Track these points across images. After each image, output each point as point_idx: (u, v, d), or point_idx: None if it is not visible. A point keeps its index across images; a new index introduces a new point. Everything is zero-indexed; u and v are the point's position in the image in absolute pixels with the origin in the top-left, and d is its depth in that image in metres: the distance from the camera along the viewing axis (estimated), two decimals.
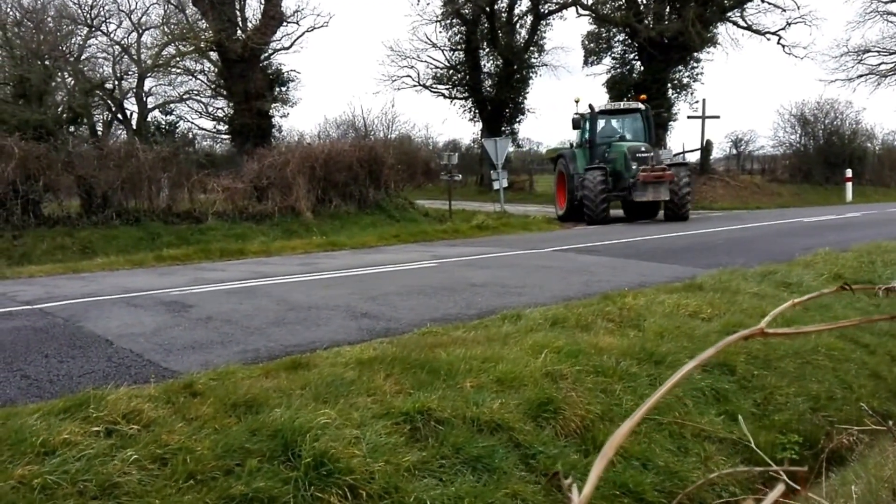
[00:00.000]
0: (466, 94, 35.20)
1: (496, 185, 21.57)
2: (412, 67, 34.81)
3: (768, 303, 6.82)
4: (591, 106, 19.66)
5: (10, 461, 2.99)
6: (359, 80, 51.10)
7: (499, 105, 33.88)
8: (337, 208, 18.43)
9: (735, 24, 30.15)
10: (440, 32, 35.56)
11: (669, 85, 30.82)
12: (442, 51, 34.52)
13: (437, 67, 35.01)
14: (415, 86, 34.96)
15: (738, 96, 73.42)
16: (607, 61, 32.50)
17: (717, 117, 29.63)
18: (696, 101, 30.71)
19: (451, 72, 34.97)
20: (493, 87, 34.14)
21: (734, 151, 37.18)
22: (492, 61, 34.04)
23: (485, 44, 33.02)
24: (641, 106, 19.28)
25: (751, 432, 4.50)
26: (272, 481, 3.12)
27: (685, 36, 26.96)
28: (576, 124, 19.71)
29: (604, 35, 32.39)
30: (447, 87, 35.18)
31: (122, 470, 2.98)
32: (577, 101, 20.51)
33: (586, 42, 32.76)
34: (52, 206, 16.42)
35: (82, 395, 3.69)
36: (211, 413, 3.66)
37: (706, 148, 28.90)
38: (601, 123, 19.73)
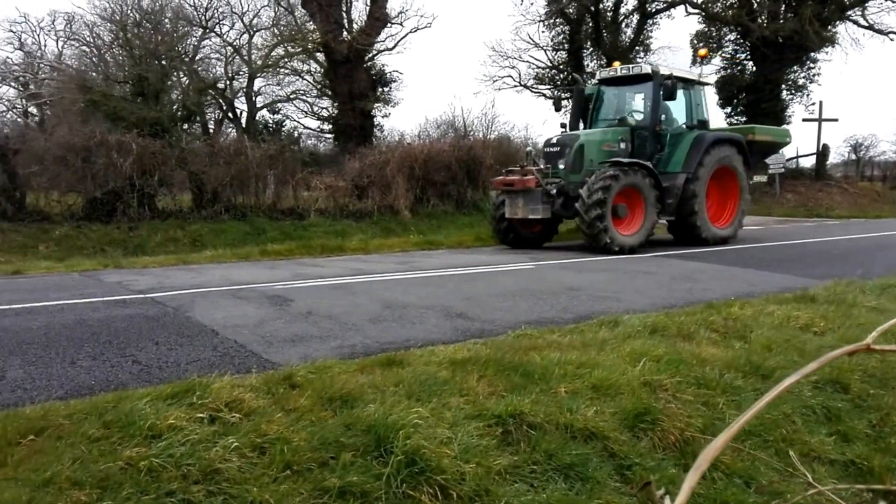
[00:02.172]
0: (569, 95, 34.79)
1: None
2: (513, 67, 34.70)
3: (888, 318, 6.36)
4: (574, 77, 16.34)
5: (119, 443, 3.15)
6: (460, 81, 51.32)
7: None
8: (435, 208, 18.60)
9: (855, 23, 28.40)
10: (543, 32, 35.33)
11: (784, 86, 29.37)
12: (544, 50, 34.21)
13: (538, 67, 34.73)
14: (516, 86, 34.82)
15: (858, 99, 68.88)
16: (717, 61, 31.21)
17: (835, 120, 28.01)
18: (813, 104, 29.17)
19: (553, 72, 34.60)
20: None
21: (853, 157, 34.93)
22: (595, 61, 33.46)
23: (588, 43, 32.48)
24: (648, 69, 13.77)
25: (864, 455, 4.21)
26: (365, 476, 3.15)
27: (801, 35, 25.58)
28: (556, 104, 16.06)
29: (714, 34, 31.19)
30: (549, 87, 34.84)
31: (223, 456, 3.08)
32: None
33: (695, 41, 31.62)
34: (165, 200, 17.34)
35: (188, 382, 3.85)
36: (308, 405, 3.74)
37: (822, 153, 27.33)
38: (605, 97, 14.69)
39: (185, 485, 2.88)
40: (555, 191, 12.65)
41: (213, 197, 17.16)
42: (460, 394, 4.11)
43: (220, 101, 32.13)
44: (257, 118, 32.61)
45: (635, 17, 32.45)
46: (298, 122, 33.86)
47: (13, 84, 32.72)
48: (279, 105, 33.57)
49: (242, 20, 30.69)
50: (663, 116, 13.77)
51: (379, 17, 25.08)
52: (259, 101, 32.87)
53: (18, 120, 30.46)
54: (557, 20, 32.14)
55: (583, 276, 9.46)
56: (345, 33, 25.59)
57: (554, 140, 13.47)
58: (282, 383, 4.06)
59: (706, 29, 31.33)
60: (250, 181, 17.58)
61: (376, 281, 9.10)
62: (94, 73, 28.06)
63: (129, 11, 28.12)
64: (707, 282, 8.96)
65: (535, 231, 13.88)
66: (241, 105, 32.85)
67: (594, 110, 14.64)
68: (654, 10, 31.55)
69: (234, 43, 30.69)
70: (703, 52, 17.84)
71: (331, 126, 30.33)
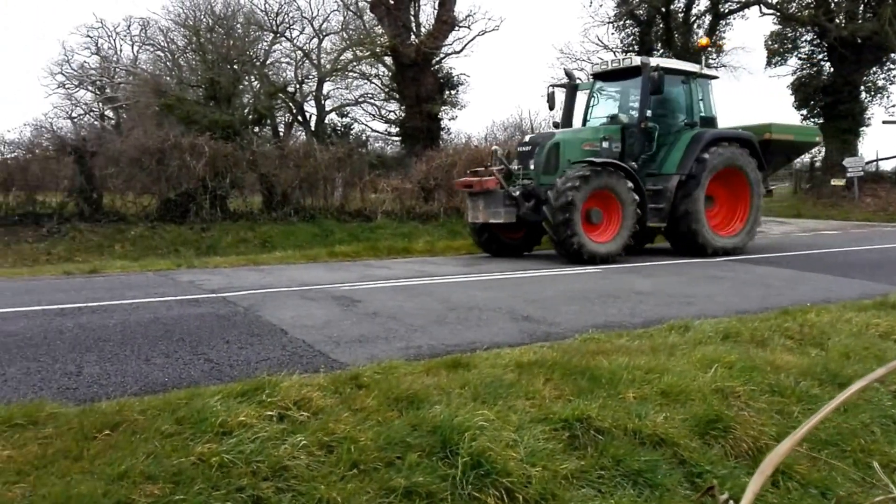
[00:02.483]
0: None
1: None
2: (582, 70, 34.33)
3: None
4: (566, 72, 14.38)
5: (191, 439, 3.22)
6: (527, 83, 50.93)
7: None
8: None
9: None
10: (612, 34, 34.84)
11: (862, 87, 28.18)
12: (613, 52, 33.71)
13: None
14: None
15: None
16: (793, 62, 30.24)
17: None
18: (893, 106, 27.90)
19: None
20: None
21: None
22: None
23: (659, 45, 31.86)
24: (638, 61, 12.52)
25: None
26: (431, 477, 3.14)
27: (881, 36, 24.52)
28: (550, 101, 14.16)
29: (789, 35, 30.18)
30: None
31: (291, 454, 3.12)
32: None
33: (770, 42, 30.67)
34: (236, 202, 17.82)
35: (258, 380, 3.92)
36: (375, 405, 3.75)
37: None
38: (600, 93, 13.77)
39: (254, 481, 2.92)
40: (518, 192, 11.66)
41: (283, 199, 17.55)
42: (526, 397, 4.06)
43: (290, 104, 32.85)
44: (326, 121, 33.19)
45: (707, 18, 31.66)
46: (366, 125, 34.31)
47: (90, 88, 34.22)
48: (347, 108, 34.08)
49: (312, 25, 31.31)
50: (649, 112, 12.22)
51: (446, 21, 25.19)
52: (328, 104, 33.47)
53: (95, 123, 31.81)
54: (627, 21, 31.65)
55: (651, 280, 9.26)
56: (412, 37, 25.80)
57: (526, 139, 12.68)
58: (349, 383, 4.09)
59: (781, 29, 30.34)
60: (319, 184, 17.91)
61: (442, 283, 9.11)
62: (168, 78, 29.09)
63: (202, 16, 29.05)
64: (781, 287, 8.64)
65: (517, 238, 12.75)
66: (310, 108, 33.52)
67: (590, 107, 13.68)
68: (726, 10, 30.70)
69: (304, 47, 31.35)
70: (703, 40, 15.98)
71: (398, 129, 30.63)
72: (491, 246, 12.75)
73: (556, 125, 13.93)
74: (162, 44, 32.29)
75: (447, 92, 27.71)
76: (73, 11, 62.25)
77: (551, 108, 14.44)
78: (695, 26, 32.10)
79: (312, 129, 31.74)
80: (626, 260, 11.55)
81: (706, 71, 13.44)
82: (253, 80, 29.63)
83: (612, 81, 13.50)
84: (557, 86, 14.26)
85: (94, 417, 3.42)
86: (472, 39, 27.88)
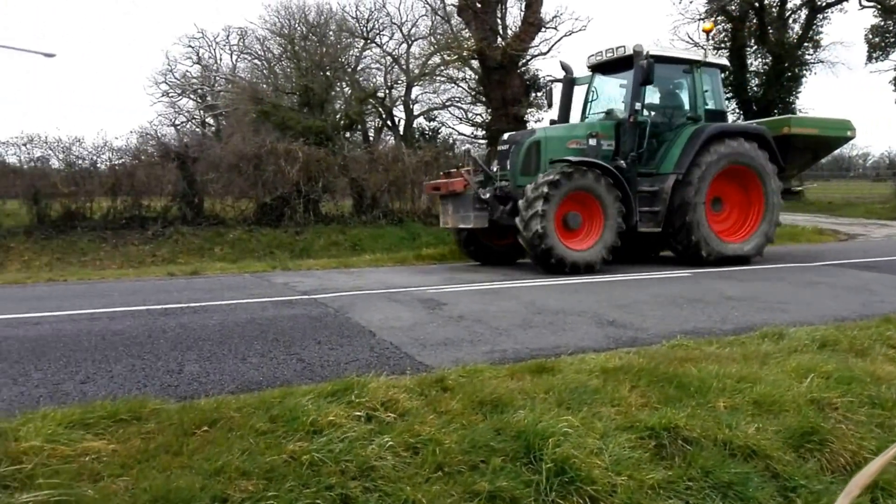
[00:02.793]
0: (730, 94, 33.06)
1: None
2: None
3: None
4: (562, 65, 12.96)
5: (283, 437, 3.35)
6: None
7: (766, 105, 31.41)
8: None
9: None
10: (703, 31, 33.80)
11: None
12: (704, 49, 32.74)
13: None
14: None
15: None
16: (895, 56, 28.57)
17: None
18: None
19: None
20: (761, 87, 31.71)
21: None
22: (760, 59, 31.55)
23: (752, 41, 30.71)
24: (630, 51, 11.42)
25: None
26: (515, 482, 3.15)
27: None
28: (548, 98, 13.71)
29: (891, 28, 28.52)
30: None
31: (378, 454, 3.20)
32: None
33: (870, 36, 29.15)
34: (328, 206, 18.30)
35: (347, 381, 4.02)
36: (459, 409, 3.79)
37: None
38: (599, 87, 12.74)
39: (343, 480, 3.01)
40: (488, 195, 10.94)
41: (372, 202, 17.92)
42: (611, 404, 4.01)
43: (380, 109, 33.49)
44: (414, 125, 33.66)
45: (804, 12, 30.33)
46: (453, 128, 34.60)
47: (192, 96, 35.91)
48: (435, 112, 34.47)
49: (401, 30, 31.86)
50: (639, 105, 11.18)
51: (533, 23, 25.05)
52: (416, 108, 33.96)
53: (197, 130, 33.36)
54: (718, 17, 30.66)
55: (743, 286, 8.94)
56: (499, 40, 25.81)
57: (506, 137, 11.81)
58: (434, 385, 4.15)
59: (883, 22, 28.72)
60: (407, 187, 18.17)
61: (527, 286, 9.08)
62: (264, 85, 30.17)
63: (296, 25, 30.00)
64: (885, 293, 8.18)
65: (505, 244, 11.76)
66: (399, 113, 34.11)
67: (589, 103, 12.70)
68: (823, 3, 29.33)
69: (394, 52, 31.93)
70: (707, 25, 14.32)
71: (484, 132, 30.72)
72: (478, 254, 12.08)
73: (552, 123, 13.00)
74: (259, 52, 33.59)
75: (533, 94, 27.57)
76: (177, 23, 65.54)
77: (549, 105, 13.82)
78: (790, 21, 30.79)
79: (401, 133, 32.25)
80: (709, 264, 11.17)
81: (712, 59, 12.21)
82: (344, 86, 30.39)
83: (611, 74, 12.44)
84: (556, 80, 13.41)
85: (193, 414, 3.60)
86: (558, 40, 27.66)
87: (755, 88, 31.69)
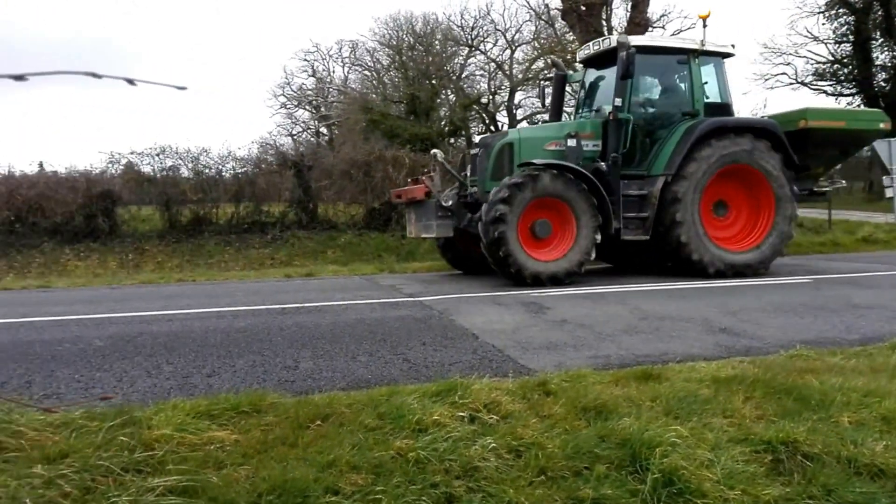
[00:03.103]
0: (855, 90, 31.10)
1: (889, 193, 18.61)
2: (788, 64, 31.98)
3: None
4: (552, 61, 12.33)
5: (390, 433, 3.45)
6: (731, 81, 48.10)
7: (894, 101, 29.32)
8: None
9: None
10: (823, 24, 32.15)
11: None
12: (825, 44, 30.95)
13: (818, 63, 31.54)
14: (791, 83, 31.96)
15: None
16: None
17: None
18: None
19: (835, 66, 31.18)
20: (889, 82, 29.62)
21: None
22: (887, 52, 29.49)
23: (878, 33, 28.74)
24: (615, 42, 10.63)
25: None
26: (619, 490, 3.11)
27: None
28: (542, 98, 12.94)
29: None
30: (830, 83, 31.45)
31: (481, 455, 3.24)
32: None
33: None
34: None
35: (451, 382, 4.09)
36: (562, 413, 3.78)
37: None
38: (594, 84, 11.80)
39: (447, 479, 3.07)
40: (450, 202, 10.28)
41: None
42: (723, 415, 3.88)
43: (483, 115, 33.68)
44: None
45: None
46: None
47: (307, 107, 37.34)
48: (538, 116, 34.27)
49: (505, 36, 31.95)
50: (618, 101, 10.25)
51: (640, 23, 24.48)
52: (519, 113, 33.90)
53: (312, 139, 34.67)
54: (839, 10, 28.92)
55: (872, 292, 8.39)
56: None
57: (477, 139, 11.18)
58: (536, 389, 4.15)
59: None
60: None
61: (633, 291, 8.90)
62: (374, 95, 31.01)
63: (404, 36, 30.70)
64: None
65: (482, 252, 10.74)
66: (502, 118, 34.18)
67: (582, 100, 11.81)
68: None
69: (497, 59, 32.04)
70: (704, 13, 13.36)
71: None
72: (457, 262, 11.50)
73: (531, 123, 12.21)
74: (369, 64, 34.56)
75: None
76: (294, 38, 68.51)
77: (543, 105, 13.01)
78: None
79: None
80: (842, 269, 10.53)
81: (712, 47, 10.90)
82: (449, 93, 30.79)
83: (603, 68, 11.39)
84: (549, 78, 12.55)
85: (307, 408, 3.77)
86: None
87: (882, 84, 29.63)
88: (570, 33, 25.94)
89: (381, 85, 32.77)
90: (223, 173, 17.97)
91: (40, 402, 3.62)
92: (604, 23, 26.38)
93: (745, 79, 57.55)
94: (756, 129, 10.50)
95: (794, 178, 10.64)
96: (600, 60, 11.25)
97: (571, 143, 10.27)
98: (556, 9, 26.90)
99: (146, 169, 17.41)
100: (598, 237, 9.78)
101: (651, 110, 10.93)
